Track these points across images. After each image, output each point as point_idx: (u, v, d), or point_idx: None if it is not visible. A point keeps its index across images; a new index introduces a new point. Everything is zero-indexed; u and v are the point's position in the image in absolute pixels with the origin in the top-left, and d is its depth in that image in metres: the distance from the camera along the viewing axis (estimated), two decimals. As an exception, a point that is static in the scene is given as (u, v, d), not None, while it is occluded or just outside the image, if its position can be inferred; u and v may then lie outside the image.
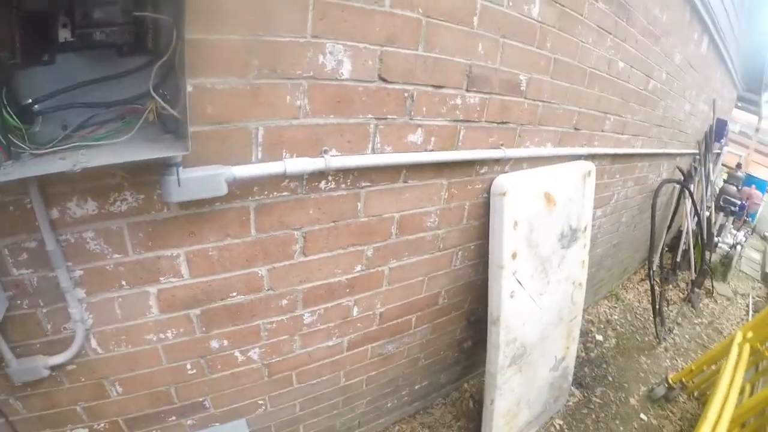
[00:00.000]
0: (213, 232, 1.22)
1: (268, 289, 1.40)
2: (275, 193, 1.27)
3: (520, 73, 1.75)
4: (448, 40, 1.43)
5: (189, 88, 0.99)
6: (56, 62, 0.98)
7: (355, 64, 1.25)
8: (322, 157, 1.26)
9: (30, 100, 0.98)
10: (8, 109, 0.94)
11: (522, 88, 1.79)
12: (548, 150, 2.07)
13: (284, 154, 1.22)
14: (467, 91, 1.55)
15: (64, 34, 0.95)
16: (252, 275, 1.34)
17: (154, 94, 1.00)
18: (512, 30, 1.65)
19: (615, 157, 2.87)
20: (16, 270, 1.07)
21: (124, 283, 1.16)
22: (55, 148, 1.00)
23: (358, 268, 1.57)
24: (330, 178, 1.34)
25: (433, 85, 1.44)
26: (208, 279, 1.27)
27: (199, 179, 1.08)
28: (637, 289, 4.55)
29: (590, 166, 2.35)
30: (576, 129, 2.27)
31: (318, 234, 1.40)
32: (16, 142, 0.97)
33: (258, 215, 1.27)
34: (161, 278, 1.20)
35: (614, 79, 2.49)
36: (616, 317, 3.95)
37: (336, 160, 1.28)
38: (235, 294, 1.34)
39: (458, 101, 1.54)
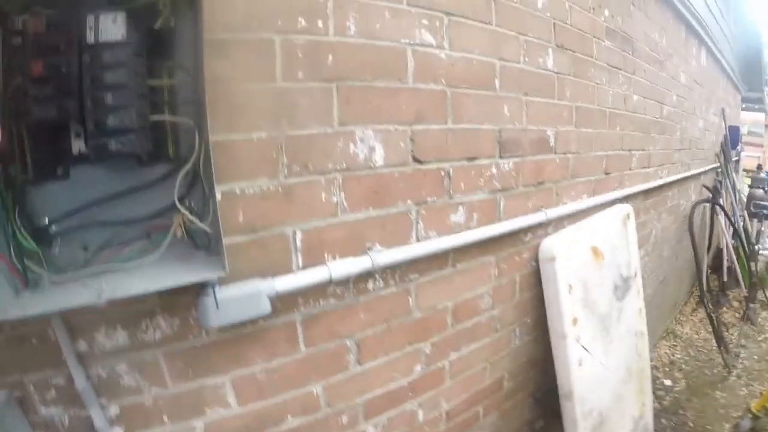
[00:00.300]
0: (259, 353, 1.10)
1: (326, 407, 1.24)
2: (321, 302, 1.15)
3: (547, 129, 1.69)
4: (475, 108, 1.38)
5: (218, 197, 0.91)
6: (71, 176, 0.91)
7: (388, 149, 1.18)
8: (367, 254, 1.16)
9: (46, 220, 0.90)
10: (22, 231, 0.85)
11: (551, 144, 1.72)
12: (586, 202, 1.98)
13: (326, 257, 1.12)
14: (500, 157, 1.48)
15: (77, 145, 0.87)
16: (306, 395, 1.19)
17: (180, 207, 0.92)
18: (532, 86, 1.62)
19: (646, 193, 2.77)
20: (44, 408, 0.95)
21: (166, 418, 1.02)
22: (76, 273, 0.91)
23: (418, 367, 1.41)
24: (377, 276, 1.23)
25: (467, 158, 1.37)
26: (259, 405, 1.13)
27: (239, 299, 0.97)
28: (692, 320, 4.29)
29: (628, 208, 2.24)
30: (607, 173, 2.20)
31: (372, 339, 1.27)
32: (33, 267, 0.88)
33: (306, 329, 1.14)
34: (207, 410, 1.06)
35: (632, 114, 2.46)
36: (678, 356, 3.68)
37: (382, 256, 1.17)
38: (290, 418, 1.18)
39: (494, 170, 1.46)
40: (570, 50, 1.83)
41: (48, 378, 0.94)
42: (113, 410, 0.98)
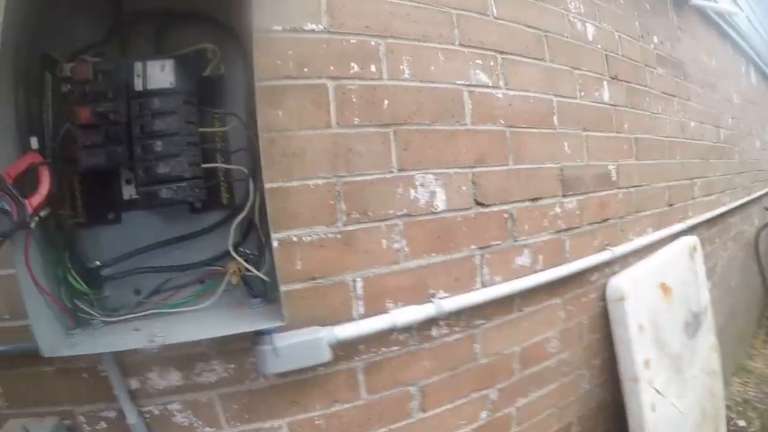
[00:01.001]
0: (318, 399, 1.07)
1: (387, 455, 1.19)
2: (384, 349, 1.13)
3: (608, 163, 1.65)
4: (535, 147, 1.36)
5: (274, 244, 0.91)
6: (123, 221, 0.92)
7: (449, 193, 1.17)
8: (431, 302, 1.13)
9: (97, 263, 0.91)
10: (73, 272, 0.87)
11: (613, 179, 1.67)
12: (651, 237, 1.89)
13: (389, 304, 1.10)
14: (564, 196, 1.44)
15: (128, 191, 0.89)
16: (367, 442, 1.16)
17: (235, 255, 0.92)
18: (591, 120, 1.59)
19: (710, 222, 2.62)
20: None
21: (219, 458, 1.01)
22: (127, 316, 0.92)
23: (483, 414, 1.35)
24: (442, 323, 1.19)
25: (530, 199, 1.34)
26: (317, 451, 1.10)
27: (298, 346, 0.96)
28: (763, 353, 3.95)
29: (694, 240, 2.13)
30: (670, 205, 2.10)
31: (436, 386, 1.23)
32: (84, 308, 0.90)
33: (367, 375, 1.12)
34: (263, 453, 1.05)
35: (690, 141, 2.37)
36: (752, 394, 3.37)
37: (447, 303, 1.14)
38: (349, 465, 1.15)
39: (558, 210, 1.42)
40: (624, 81, 1.80)
41: (98, 411, 0.97)
42: (165, 447, 0.98)
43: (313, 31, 1.02)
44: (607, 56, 1.73)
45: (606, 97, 1.68)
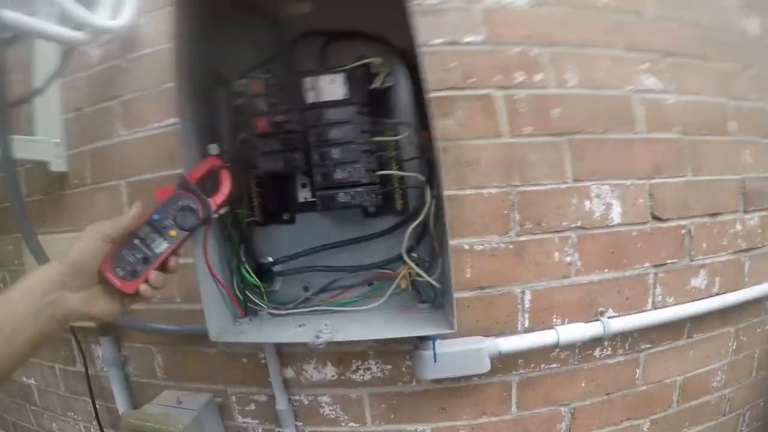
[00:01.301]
0: (468, 408, 1.07)
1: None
2: (543, 365, 1.08)
3: (794, 175, 1.44)
4: (714, 156, 1.23)
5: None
6: (297, 222, 0.97)
7: (625, 206, 1.09)
8: (599, 320, 1.06)
9: (270, 259, 0.98)
10: (246, 266, 0.96)
11: (799, 192, 1.46)
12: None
13: (554, 319, 1.06)
14: (745, 212, 1.28)
15: (304, 194, 0.94)
16: (510, 459, 1.12)
17: (408, 260, 0.93)
18: (772, 125, 1.39)
19: None
20: (241, 418, 1.10)
21: (356, 453, 1.06)
22: (294, 311, 0.98)
23: (632, 446, 1.25)
24: (606, 343, 1.12)
25: (709, 214, 1.21)
26: (456, 460, 1.09)
27: (459, 355, 0.95)
28: None
29: None
30: None
31: (589, 409, 1.15)
32: (255, 299, 0.97)
33: (521, 390, 1.09)
34: (402, 454, 1.07)
35: None
36: None
37: (615, 323, 1.06)
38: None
39: (738, 227, 1.27)
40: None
41: (250, 393, 1.07)
42: (307, 433, 1.07)
43: (473, 42, 1.03)
44: (777, 52, 1.53)
45: (786, 98, 1.49)
